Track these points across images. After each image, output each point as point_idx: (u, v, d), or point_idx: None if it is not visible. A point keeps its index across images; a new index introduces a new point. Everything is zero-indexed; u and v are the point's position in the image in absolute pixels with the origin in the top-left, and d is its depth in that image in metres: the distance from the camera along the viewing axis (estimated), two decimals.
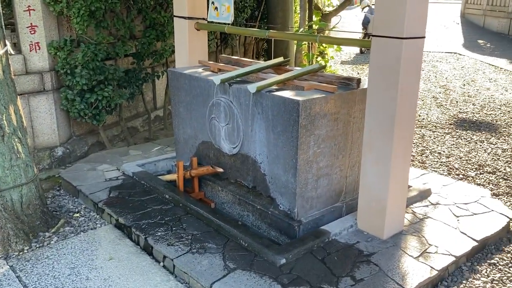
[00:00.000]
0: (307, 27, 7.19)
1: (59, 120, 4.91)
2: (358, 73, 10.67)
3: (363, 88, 3.46)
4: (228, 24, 4.35)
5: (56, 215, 3.86)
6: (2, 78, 3.29)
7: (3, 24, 3.37)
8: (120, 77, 5.08)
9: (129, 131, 5.73)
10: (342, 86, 3.52)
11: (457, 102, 7.93)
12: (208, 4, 4.49)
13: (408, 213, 3.69)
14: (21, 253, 3.33)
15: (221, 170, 3.95)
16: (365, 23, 13.41)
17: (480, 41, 14.77)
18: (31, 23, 4.54)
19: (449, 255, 3.17)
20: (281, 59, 4.14)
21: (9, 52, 3.46)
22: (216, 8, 4.37)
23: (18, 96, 3.53)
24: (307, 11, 7.47)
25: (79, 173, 4.48)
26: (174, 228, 3.47)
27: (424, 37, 3.06)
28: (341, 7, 8.75)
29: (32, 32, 4.57)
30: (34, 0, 4.50)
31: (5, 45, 3.38)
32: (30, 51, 4.61)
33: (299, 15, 7.75)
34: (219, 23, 4.44)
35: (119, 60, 5.34)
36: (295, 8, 8.64)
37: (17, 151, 3.40)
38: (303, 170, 3.28)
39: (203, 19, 4.52)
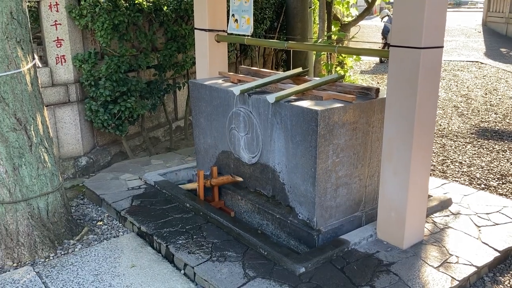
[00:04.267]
0: (326, 38, 7.22)
1: (83, 131, 5.04)
2: (378, 83, 10.64)
3: (382, 98, 3.48)
4: (248, 35, 4.43)
5: (80, 223, 3.95)
6: (30, 90, 3.41)
7: (31, 38, 3.50)
8: (142, 88, 5.20)
9: (151, 141, 5.84)
10: (360, 96, 3.54)
11: (478, 111, 7.84)
12: (228, 17, 4.58)
13: (428, 222, 3.67)
14: (47, 259, 3.43)
15: (240, 179, 4.00)
16: (385, 32, 13.39)
17: (502, 50, 14.57)
18: (57, 37, 4.70)
19: (470, 265, 3.14)
20: (299, 69, 4.19)
21: (36, 65, 3.59)
22: (236, 20, 4.46)
23: (45, 107, 3.65)
24: (326, 22, 7.50)
25: (102, 182, 4.59)
26: (194, 237, 3.52)
27: (442, 47, 3.07)
28: (360, 17, 8.75)
29: (58, 45, 4.73)
30: (61, 15, 4.66)
31: (33, 58, 3.51)
32: (56, 63, 4.77)
33: (318, 26, 7.79)
34: (238, 34, 4.52)
35: (141, 72, 5.46)
36: (314, 18, 8.69)
37: (43, 161, 3.51)
38: (322, 180, 3.30)
39: (223, 31, 4.61)
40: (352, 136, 3.39)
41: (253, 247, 3.33)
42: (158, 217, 3.85)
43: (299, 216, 3.51)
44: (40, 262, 3.39)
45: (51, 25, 4.66)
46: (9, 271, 3.29)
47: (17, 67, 3.30)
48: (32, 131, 3.42)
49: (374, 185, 3.69)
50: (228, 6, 4.56)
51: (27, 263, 3.39)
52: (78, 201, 4.47)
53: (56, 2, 4.62)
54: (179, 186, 4.45)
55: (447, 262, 3.16)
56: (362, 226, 3.59)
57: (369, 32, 19.22)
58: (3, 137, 3.28)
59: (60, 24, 4.68)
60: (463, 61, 12.71)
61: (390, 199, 3.29)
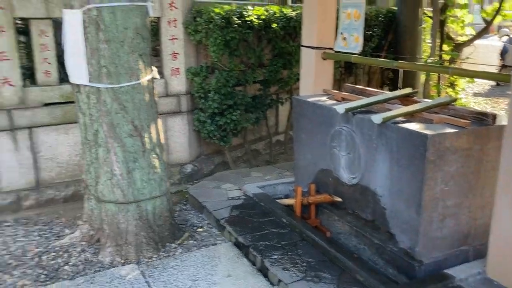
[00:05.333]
0: (437, 57, 6.89)
1: (191, 140, 5.31)
2: (493, 107, 9.88)
3: (500, 125, 3.22)
4: (356, 54, 4.37)
5: (181, 228, 4.14)
6: (148, 100, 3.67)
7: (150, 52, 3.77)
8: (248, 102, 5.35)
9: (252, 153, 5.97)
10: (475, 121, 3.31)
11: None
12: (336, 34, 4.57)
13: None
14: (150, 260, 3.63)
15: (339, 199, 3.93)
16: (503, 53, 12.45)
17: None
18: (173, 51, 5.02)
19: None
20: (408, 90, 4.03)
21: (155, 77, 3.86)
22: (344, 38, 4.43)
23: (158, 116, 3.91)
24: (439, 41, 7.17)
25: (204, 190, 4.78)
26: (289, 253, 3.52)
27: None
28: (476, 36, 8.23)
29: (174, 58, 5.05)
30: (178, 31, 4.98)
31: (151, 71, 3.78)
32: (171, 75, 5.09)
33: (428, 45, 7.47)
34: (346, 52, 4.48)
35: (247, 86, 5.63)
36: (425, 37, 8.34)
37: (154, 166, 3.75)
38: (428, 208, 3.12)
39: (330, 48, 4.60)
40: (464, 164, 3.18)
41: (348, 271, 3.24)
42: (254, 229, 3.91)
43: (400, 244, 3.35)
44: (144, 262, 3.60)
45: (168, 40, 5.00)
46: (117, 266, 3.54)
47: (137, 78, 3.57)
48: (146, 138, 3.67)
49: (485, 218, 3.41)
50: (336, 24, 4.54)
51: (132, 261, 3.62)
52: (181, 206, 4.69)
53: (174, 18, 4.95)
54: (276, 200, 4.48)
55: None
56: (469, 262, 3.33)
57: (484, 52, 17.95)
58: (121, 142, 3.56)
59: (176, 38, 5.00)
60: None
61: (505, 235, 3.01)
